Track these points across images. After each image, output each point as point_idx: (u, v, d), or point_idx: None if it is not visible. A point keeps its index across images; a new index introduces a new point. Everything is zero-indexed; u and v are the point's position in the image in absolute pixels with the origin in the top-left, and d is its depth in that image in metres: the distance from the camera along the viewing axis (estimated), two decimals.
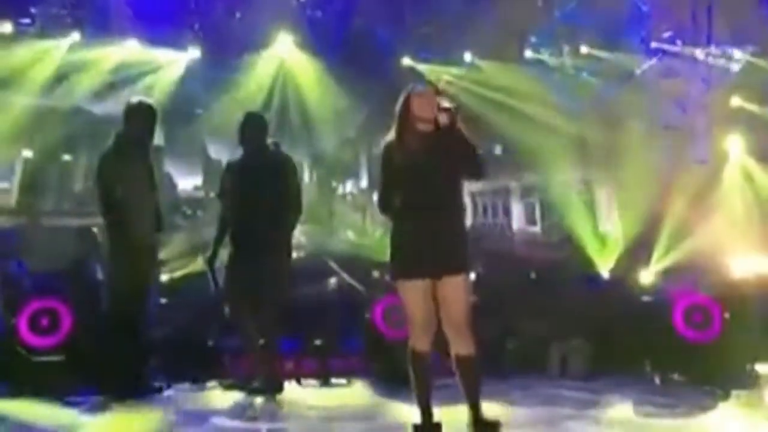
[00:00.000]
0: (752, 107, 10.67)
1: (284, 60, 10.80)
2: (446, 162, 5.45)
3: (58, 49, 9.76)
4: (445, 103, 5.50)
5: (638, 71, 11.09)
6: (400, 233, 5.54)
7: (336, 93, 10.88)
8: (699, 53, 10.98)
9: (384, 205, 5.61)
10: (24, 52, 9.68)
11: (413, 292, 5.48)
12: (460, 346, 5.51)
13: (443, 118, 5.44)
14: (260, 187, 7.33)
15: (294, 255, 10.48)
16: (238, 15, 11.06)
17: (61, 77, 9.83)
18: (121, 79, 9.90)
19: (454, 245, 5.51)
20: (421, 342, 5.54)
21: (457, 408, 5.76)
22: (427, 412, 5.58)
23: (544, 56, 11.29)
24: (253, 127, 7.47)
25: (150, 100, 7.59)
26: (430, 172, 5.45)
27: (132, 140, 7.28)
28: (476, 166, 5.56)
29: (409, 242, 5.47)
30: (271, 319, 7.41)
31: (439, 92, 5.68)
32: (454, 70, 11.27)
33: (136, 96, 7.67)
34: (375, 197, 11.97)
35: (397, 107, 5.59)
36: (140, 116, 7.33)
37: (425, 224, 5.43)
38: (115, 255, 7.26)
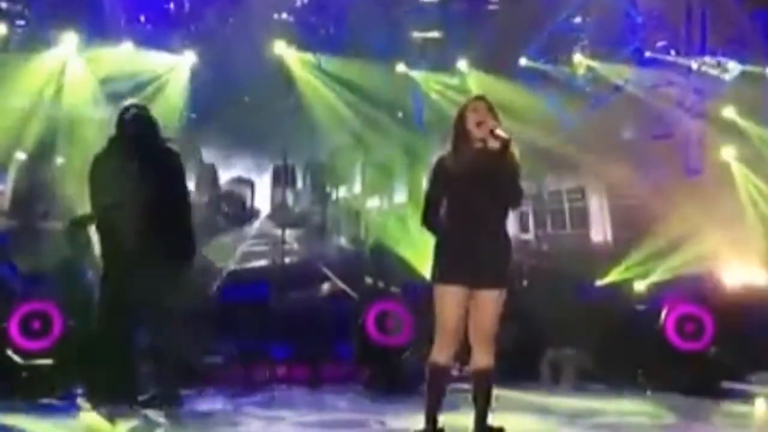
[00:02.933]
0: (745, 118, 10.70)
1: (278, 64, 10.79)
2: (495, 178, 5.54)
3: (52, 51, 9.72)
4: (500, 131, 5.55)
5: (632, 81, 11.11)
6: (445, 240, 5.63)
7: (330, 98, 10.88)
8: (692, 63, 11.01)
9: (428, 217, 5.69)
10: (18, 54, 9.65)
11: (449, 298, 5.54)
12: (483, 358, 5.64)
13: (493, 144, 5.53)
14: (137, 186, 6.85)
15: (287, 260, 10.57)
16: (231, 20, 11.04)
17: (54, 80, 9.80)
18: (115, 82, 9.87)
19: (497, 259, 5.60)
20: (443, 355, 5.61)
21: (457, 415, 5.84)
22: (432, 420, 5.63)
23: (538, 65, 11.30)
24: (132, 120, 7.24)
25: (143, 104, 7.52)
26: (480, 186, 5.53)
27: (124, 144, 7.23)
28: (513, 196, 5.68)
29: (454, 250, 5.57)
30: (162, 328, 7.00)
31: (491, 107, 5.66)
32: (448, 78, 11.27)
33: (129, 99, 7.62)
34: (368, 203, 12.12)
35: (454, 120, 5.70)
36: (133, 120, 7.28)
37: (471, 235, 5.52)
38: (106, 259, 7.22)
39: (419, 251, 9.21)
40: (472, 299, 5.58)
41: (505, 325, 5.75)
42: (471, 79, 10.95)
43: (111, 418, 6.62)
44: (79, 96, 9.71)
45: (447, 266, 5.59)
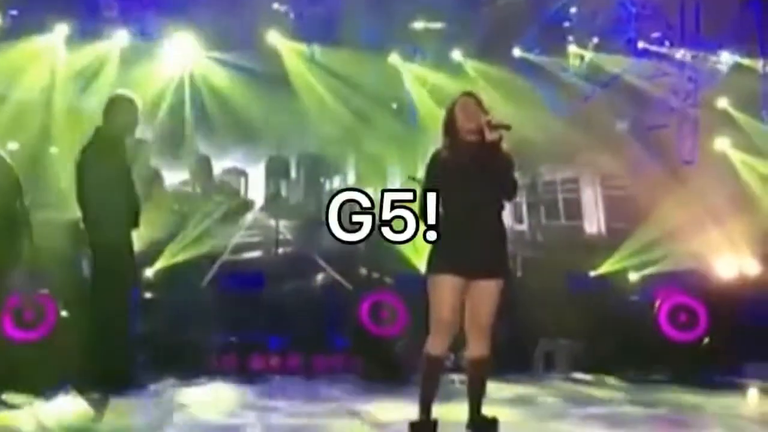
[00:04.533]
0: (739, 109, 10.72)
1: (273, 55, 10.77)
2: (490, 170, 5.60)
3: (46, 41, 9.70)
4: (495, 120, 5.61)
5: (626, 71, 11.11)
6: (443, 233, 5.65)
7: (324, 89, 10.86)
8: (686, 54, 11.00)
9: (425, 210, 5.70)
10: (11, 44, 9.61)
11: (445, 288, 5.57)
12: (479, 348, 5.68)
13: (491, 135, 5.58)
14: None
15: (282, 251, 10.56)
16: (227, 9, 10.99)
17: (48, 70, 9.77)
18: (110, 72, 9.85)
19: (492, 250, 5.65)
20: (438, 347, 5.64)
21: (450, 405, 5.87)
22: (427, 411, 5.64)
23: (532, 56, 11.30)
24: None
25: (130, 94, 7.49)
26: (475, 178, 5.59)
27: (110, 135, 7.20)
28: (509, 189, 5.73)
29: (450, 241, 5.61)
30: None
31: (480, 102, 5.74)
32: (443, 68, 11.26)
33: (121, 90, 7.60)
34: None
35: (443, 117, 5.77)
36: (119, 111, 7.26)
37: (467, 227, 5.58)
38: (93, 250, 7.21)
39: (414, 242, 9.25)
40: (467, 290, 5.61)
41: (498, 315, 5.76)
42: (466, 69, 10.95)
43: (99, 406, 6.63)
44: (73, 85, 9.70)
45: (443, 258, 5.62)
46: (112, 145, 7.17)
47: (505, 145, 5.68)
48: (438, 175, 5.68)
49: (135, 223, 7.33)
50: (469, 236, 5.56)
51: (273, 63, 10.72)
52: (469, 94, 5.84)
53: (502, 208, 5.79)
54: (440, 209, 5.68)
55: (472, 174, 5.59)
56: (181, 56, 10.27)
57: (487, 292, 5.62)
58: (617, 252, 9.86)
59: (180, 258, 9.23)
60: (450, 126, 5.71)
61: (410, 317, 8.46)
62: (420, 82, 11.12)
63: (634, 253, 9.73)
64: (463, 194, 5.61)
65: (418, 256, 9.06)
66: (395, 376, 7.98)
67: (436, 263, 5.65)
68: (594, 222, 11.61)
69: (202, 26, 10.43)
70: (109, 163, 7.10)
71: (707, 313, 8.63)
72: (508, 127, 5.61)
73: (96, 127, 7.26)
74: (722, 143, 10.68)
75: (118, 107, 7.25)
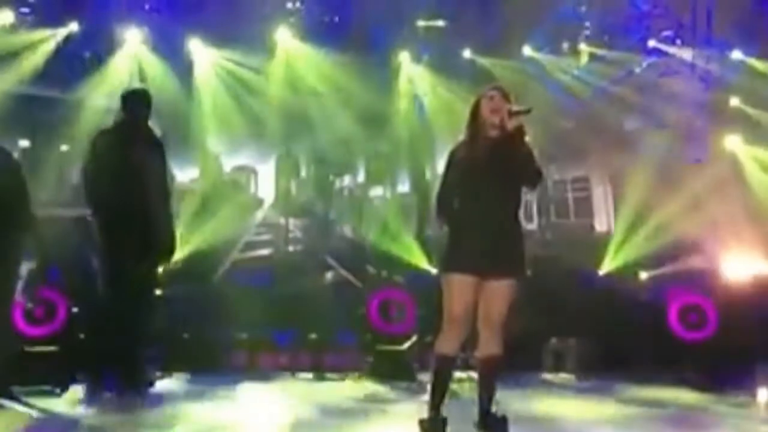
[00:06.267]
0: (750, 106, 10.69)
1: (283, 53, 10.80)
2: (509, 167, 5.55)
3: (56, 38, 9.75)
4: (516, 108, 5.56)
5: (637, 70, 11.10)
6: (458, 230, 5.64)
7: (333, 88, 10.88)
8: (697, 53, 10.99)
9: (442, 206, 5.72)
10: (23, 40, 9.66)
11: (460, 286, 5.56)
12: (491, 346, 5.67)
13: (512, 123, 5.53)
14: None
15: (291, 249, 10.57)
16: (236, 8, 11.04)
17: (59, 67, 9.82)
18: (121, 69, 9.89)
19: (510, 248, 5.63)
20: (450, 345, 5.63)
21: (461, 403, 5.90)
22: (436, 409, 5.63)
23: (543, 54, 11.29)
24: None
25: (144, 86, 7.51)
26: (492, 177, 5.55)
27: (126, 127, 7.20)
28: (534, 174, 5.67)
29: (466, 239, 5.58)
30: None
31: (507, 95, 5.67)
32: (451, 67, 11.26)
33: (134, 84, 7.63)
34: (371, 192, 12.11)
35: (470, 108, 5.71)
36: (135, 102, 7.25)
37: (483, 225, 5.55)
38: (104, 245, 7.20)
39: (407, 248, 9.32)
40: (481, 288, 5.60)
41: (509, 313, 5.74)
42: (475, 68, 10.96)
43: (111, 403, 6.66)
44: (86, 82, 9.76)
45: (457, 256, 5.60)
46: (126, 138, 7.14)
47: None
48: (453, 173, 5.66)
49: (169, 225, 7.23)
50: (483, 235, 5.53)
51: (282, 61, 10.75)
52: (496, 88, 5.77)
53: (518, 207, 5.77)
54: (455, 207, 5.66)
55: (488, 172, 5.55)
56: (193, 54, 10.30)
57: (499, 291, 5.60)
58: (627, 251, 9.83)
59: (191, 254, 9.23)
60: (473, 119, 5.67)
61: (420, 315, 8.45)
62: (428, 81, 11.13)
63: (644, 252, 9.68)
64: (478, 193, 5.58)
65: (414, 256, 9.15)
66: (405, 374, 7.99)
67: (450, 262, 5.64)
68: (604, 220, 11.59)
69: (214, 24, 10.47)
70: (123, 154, 7.07)
71: (717, 312, 8.60)
72: (528, 111, 5.56)
73: (114, 120, 7.28)
74: (733, 141, 10.63)
75: (132, 99, 7.26)
